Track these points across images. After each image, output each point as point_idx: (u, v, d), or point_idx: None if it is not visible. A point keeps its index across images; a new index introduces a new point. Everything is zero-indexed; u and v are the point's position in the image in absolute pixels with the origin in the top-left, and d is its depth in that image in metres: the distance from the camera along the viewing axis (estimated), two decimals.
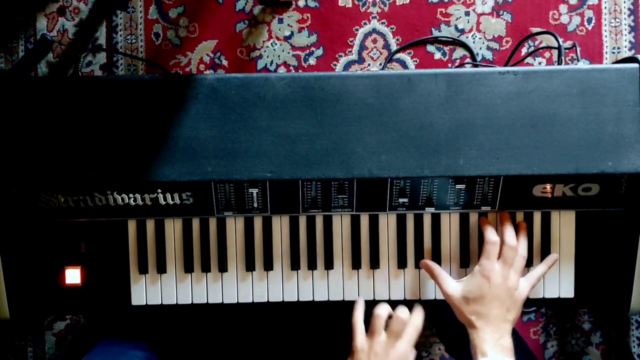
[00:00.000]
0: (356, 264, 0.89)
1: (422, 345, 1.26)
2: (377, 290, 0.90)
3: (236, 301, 0.90)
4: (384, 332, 0.82)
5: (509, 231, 0.85)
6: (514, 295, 0.82)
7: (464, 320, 0.83)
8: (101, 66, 1.23)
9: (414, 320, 0.83)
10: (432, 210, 0.89)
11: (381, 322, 0.83)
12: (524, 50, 1.22)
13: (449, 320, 0.92)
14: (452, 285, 0.85)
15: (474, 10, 1.22)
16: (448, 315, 0.89)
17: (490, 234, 0.85)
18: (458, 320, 0.85)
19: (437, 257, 0.89)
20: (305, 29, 1.23)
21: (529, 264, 0.89)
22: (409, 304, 0.92)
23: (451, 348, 1.05)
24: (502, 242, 0.84)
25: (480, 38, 1.22)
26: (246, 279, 0.90)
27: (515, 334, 0.91)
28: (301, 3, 1.23)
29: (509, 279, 0.82)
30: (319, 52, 1.23)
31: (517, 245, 0.84)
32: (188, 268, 0.89)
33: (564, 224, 0.89)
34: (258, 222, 0.89)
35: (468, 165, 0.83)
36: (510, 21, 1.22)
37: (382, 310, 0.83)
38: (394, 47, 1.23)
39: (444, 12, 1.23)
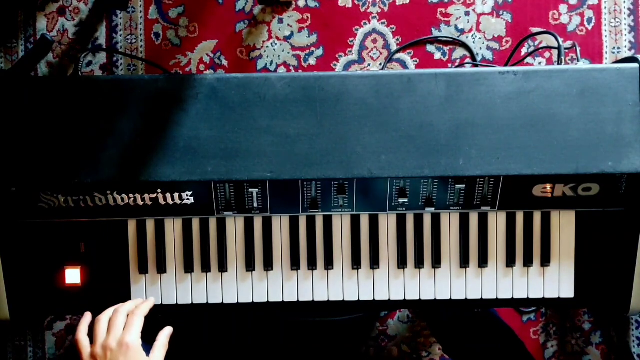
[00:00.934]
0: (356, 264, 0.89)
1: (422, 345, 1.26)
2: (377, 290, 0.90)
3: (236, 301, 0.90)
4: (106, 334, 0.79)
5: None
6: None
7: None
8: (101, 66, 1.23)
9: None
10: (432, 210, 0.89)
11: (102, 325, 0.79)
12: (524, 50, 1.22)
13: (446, 320, 0.92)
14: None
15: (474, 10, 1.22)
16: (445, 315, 0.89)
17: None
18: (455, 321, 0.85)
19: (437, 257, 0.89)
20: (305, 29, 1.23)
21: (529, 264, 0.89)
22: (409, 304, 0.92)
23: (448, 348, 1.05)
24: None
25: (480, 38, 1.22)
26: (246, 279, 0.90)
27: (501, 326, 0.91)
28: (301, 3, 1.23)
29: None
30: (319, 52, 1.23)
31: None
32: (188, 268, 0.89)
33: (564, 224, 0.89)
34: (258, 222, 0.89)
35: (468, 165, 0.83)
36: (510, 21, 1.22)
37: (98, 317, 0.80)
38: (394, 47, 1.23)
39: (444, 12, 1.23)
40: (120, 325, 0.79)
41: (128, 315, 0.81)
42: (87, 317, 0.85)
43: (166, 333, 0.83)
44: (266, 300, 0.90)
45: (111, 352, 0.76)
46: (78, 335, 0.80)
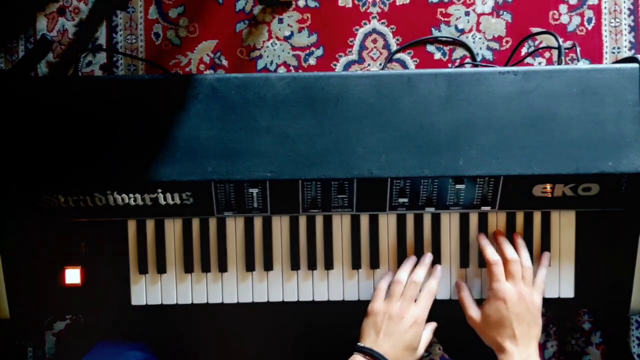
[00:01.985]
0: (356, 264, 0.89)
1: None
2: None
3: (236, 301, 0.90)
4: (401, 298, 0.84)
5: (507, 246, 0.86)
6: (531, 309, 0.82)
7: (490, 344, 0.83)
8: (101, 66, 1.23)
9: (429, 285, 0.86)
10: (432, 210, 0.89)
11: (400, 288, 0.84)
12: (524, 50, 1.22)
13: (447, 320, 0.92)
14: (474, 310, 0.86)
15: (474, 10, 1.22)
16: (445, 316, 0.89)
17: (491, 255, 0.85)
18: (456, 321, 0.85)
19: (436, 257, 0.89)
20: (305, 29, 1.23)
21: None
22: None
23: (449, 348, 1.05)
24: (504, 259, 0.85)
25: (480, 38, 1.22)
26: (246, 279, 0.90)
27: None
28: (301, 3, 1.23)
29: (524, 293, 0.82)
30: (319, 52, 1.23)
31: (520, 257, 0.85)
32: (188, 268, 0.89)
33: (564, 224, 0.89)
34: (258, 222, 0.89)
35: (468, 165, 0.84)
36: (510, 21, 1.22)
37: (402, 276, 0.85)
38: (394, 47, 1.23)
39: (444, 12, 1.23)
40: (415, 297, 0.84)
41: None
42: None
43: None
44: (266, 300, 0.90)
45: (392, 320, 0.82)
46: (380, 283, 0.87)
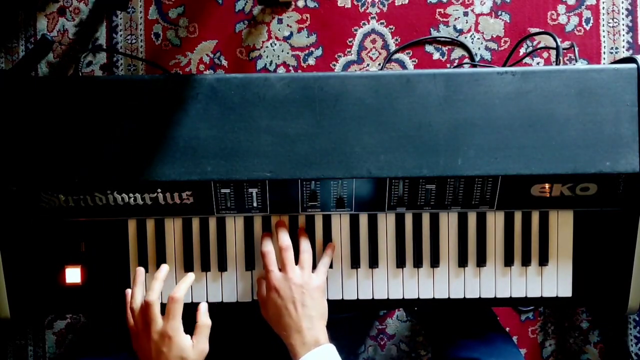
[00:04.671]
0: (355, 264, 0.90)
1: (421, 344, 1.26)
2: (375, 290, 0.90)
3: (235, 300, 0.90)
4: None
5: (281, 234, 0.86)
6: (308, 290, 0.81)
7: (281, 338, 0.82)
8: (101, 66, 1.23)
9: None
10: (431, 210, 0.89)
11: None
12: (522, 51, 1.22)
13: (430, 312, 0.93)
14: (261, 308, 0.85)
15: (472, 10, 1.23)
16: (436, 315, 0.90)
17: (263, 246, 0.85)
18: (440, 311, 0.85)
19: (435, 257, 0.90)
20: (305, 29, 1.24)
21: (527, 263, 0.89)
22: (408, 303, 0.93)
23: (431, 337, 1.06)
24: (279, 247, 0.85)
25: (478, 38, 1.23)
26: (246, 278, 0.90)
27: (489, 318, 0.92)
28: (300, 3, 1.23)
29: (294, 277, 0.82)
30: (318, 52, 1.24)
31: (291, 243, 0.85)
32: (188, 267, 0.90)
33: (562, 224, 0.89)
34: (258, 222, 0.89)
35: (466, 165, 0.84)
36: (508, 21, 1.23)
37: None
38: (392, 48, 1.24)
39: (442, 12, 1.23)
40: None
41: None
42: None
43: (202, 310, 0.83)
44: None
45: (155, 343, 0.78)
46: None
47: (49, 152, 0.84)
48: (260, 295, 0.86)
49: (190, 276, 0.86)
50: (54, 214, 0.87)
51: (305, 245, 0.86)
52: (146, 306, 0.78)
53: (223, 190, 0.86)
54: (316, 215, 0.89)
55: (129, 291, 0.83)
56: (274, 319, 0.82)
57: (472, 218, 0.90)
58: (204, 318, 0.82)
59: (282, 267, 0.84)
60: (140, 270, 0.85)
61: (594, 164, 0.83)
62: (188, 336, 0.79)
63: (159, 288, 0.81)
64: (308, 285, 0.82)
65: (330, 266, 0.90)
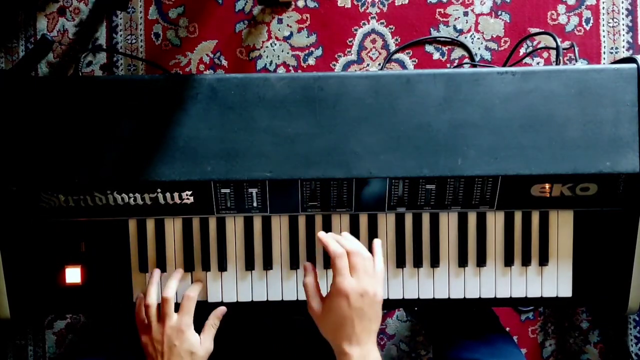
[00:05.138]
0: None
1: (421, 344, 1.26)
2: None
3: (235, 300, 0.90)
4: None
5: (347, 239, 0.81)
6: (374, 304, 0.77)
7: (329, 341, 0.79)
8: (101, 66, 1.23)
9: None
10: (431, 210, 0.89)
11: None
12: (522, 51, 1.22)
13: (430, 312, 0.93)
14: (316, 301, 0.80)
15: (472, 10, 1.23)
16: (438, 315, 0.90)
17: (334, 248, 0.78)
18: (440, 312, 0.85)
19: (435, 257, 0.90)
20: (305, 29, 1.24)
21: (527, 263, 0.89)
22: (408, 303, 0.93)
23: (432, 338, 1.05)
24: (347, 252, 0.78)
25: (478, 38, 1.23)
26: (246, 278, 0.90)
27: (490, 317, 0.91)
28: (300, 3, 1.23)
29: (366, 288, 0.76)
30: (318, 52, 1.24)
31: (360, 248, 0.79)
32: (188, 267, 0.90)
33: (562, 224, 0.89)
34: (257, 222, 0.89)
35: (467, 165, 0.84)
36: (508, 21, 1.23)
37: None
38: (392, 48, 1.24)
39: (442, 12, 1.23)
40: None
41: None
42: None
43: (218, 313, 0.89)
44: (265, 299, 0.91)
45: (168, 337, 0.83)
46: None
47: (49, 152, 0.84)
48: (314, 295, 0.81)
49: (179, 271, 0.90)
50: (54, 214, 0.87)
51: (365, 249, 0.80)
52: (163, 302, 0.84)
53: (223, 190, 0.86)
54: (316, 215, 0.89)
55: (141, 294, 0.88)
56: (332, 325, 0.77)
57: (472, 218, 0.90)
58: (215, 320, 0.89)
59: (353, 272, 0.77)
60: (157, 271, 0.89)
61: (594, 164, 0.83)
62: (197, 333, 0.85)
63: (175, 286, 0.87)
64: (376, 298, 0.77)
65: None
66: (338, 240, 0.80)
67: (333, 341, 0.77)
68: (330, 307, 0.77)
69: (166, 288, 0.86)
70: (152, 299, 0.86)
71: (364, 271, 0.77)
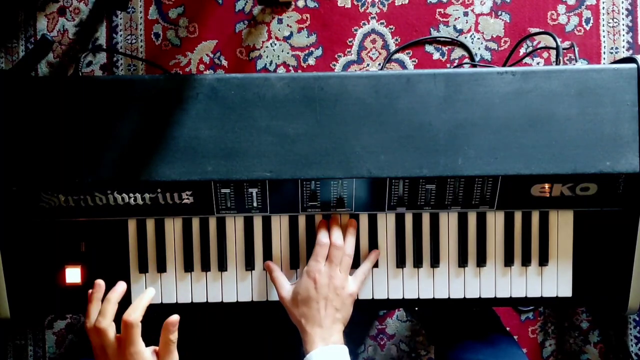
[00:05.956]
0: (355, 263, 0.90)
1: (420, 344, 1.26)
2: (375, 290, 0.90)
3: (235, 300, 0.90)
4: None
5: (335, 232, 0.86)
6: (341, 294, 0.83)
7: (295, 323, 0.84)
8: (101, 66, 1.23)
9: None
10: (431, 209, 0.89)
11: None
12: (522, 51, 1.22)
13: (432, 313, 0.93)
14: (286, 288, 0.86)
15: (472, 10, 1.23)
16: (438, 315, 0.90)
17: (322, 236, 0.85)
18: (442, 312, 0.85)
19: (435, 257, 0.90)
20: (305, 29, 1.24)
21: (527, 263, 0.89)
22: (408, 303, 0.93)
23: (433, 338, 1.05)
24: (331, 243, 0.85)
25: (478, 38, 1.23)
26: (246, 278, 0.90)
27: (493, 318, 0.91)
28: (300, 3, 1.23)
29: (335, 278, 0.83)
30: (318, 52, 1.24)
31: (344, 244, 0.85)
32: (188, 267, 0.90)
33: (562, 224, 0.89)
34: (257, 222, 0.89)
35: (467, 165, 0.84)
36: (508, 21, 1.23)
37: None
38: (392, 48, 1.24)
39: (442, 12, 1.23)
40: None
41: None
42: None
43: (172, 323, 0.73)
44: (265, 299, 0.91)
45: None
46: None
47: (49, 152, 0.84)
48: (282, 285, 0.86)
49: (150, 292, 0.78)
50: (54, 214, 0.87)
51: (350, 247, 0.86)
52: (95, 331, 0.72)
53: (223, 190, 0.86)
54: (316, 215, 0.89)
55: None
56: (299, 304, 0.82)
57: (472, 218, 0.90)
58: (170, 336, 0.73)
59: (327, 262, 0.84)
60: (100, 284, 0.77)
61: (594, 164, 0.83)
62: (153, 356, 0.73)
63: (113, 311, 0.74)
64: (344, 291, 0.83)
65: None
66: (331, 229, 0.86)
67: (299, 324, 0.82)
68: (298, 289, 0.83)
69: (100, 315, 0.73)
70: (91, 322, 0.73)
71: (338, 264, 0.84)
